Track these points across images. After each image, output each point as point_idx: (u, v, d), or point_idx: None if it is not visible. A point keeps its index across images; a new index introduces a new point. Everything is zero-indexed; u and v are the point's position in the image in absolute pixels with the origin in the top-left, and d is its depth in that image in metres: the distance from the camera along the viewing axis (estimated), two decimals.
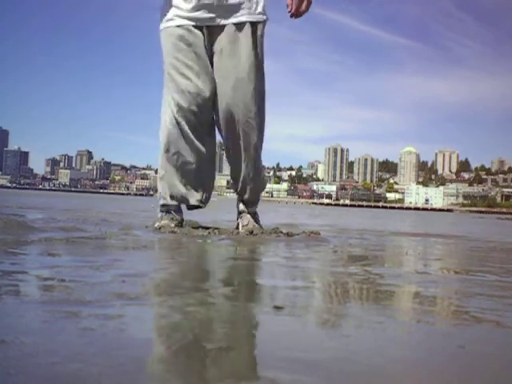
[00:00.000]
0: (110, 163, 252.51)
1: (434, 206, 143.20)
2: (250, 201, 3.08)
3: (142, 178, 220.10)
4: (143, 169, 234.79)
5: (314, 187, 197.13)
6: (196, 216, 3.30)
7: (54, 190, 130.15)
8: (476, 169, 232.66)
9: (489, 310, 1.12)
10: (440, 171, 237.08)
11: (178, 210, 3.05)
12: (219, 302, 1.10)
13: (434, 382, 0.67)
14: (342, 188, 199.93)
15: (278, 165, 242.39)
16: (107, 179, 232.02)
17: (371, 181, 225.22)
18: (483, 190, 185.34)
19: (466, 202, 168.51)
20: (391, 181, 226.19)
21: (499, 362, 0.77)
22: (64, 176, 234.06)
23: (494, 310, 1.14)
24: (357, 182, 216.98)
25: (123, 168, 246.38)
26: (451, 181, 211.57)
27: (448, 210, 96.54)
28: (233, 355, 0.74)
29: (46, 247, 1.87)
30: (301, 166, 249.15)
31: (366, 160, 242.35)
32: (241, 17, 2.86)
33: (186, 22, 2.89)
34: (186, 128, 2.90)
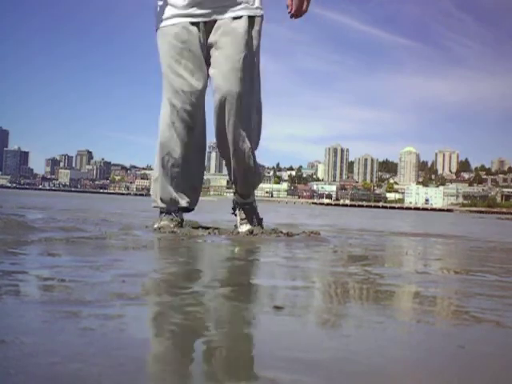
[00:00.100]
0: (110, 163, 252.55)
1: (434, 206, 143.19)
2: (243, 193, 3.07)
3: (142, 178, 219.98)
4: (143, 169, 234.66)
5: (314, 187, 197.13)
6: (196, 216, 3.30)
7: (54, 190, 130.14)
8: (476, 169, 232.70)
9: (489, 310, 1.12)
10: (440, 171, 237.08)
11: (178, 211, 3.04)
12: (219, 302, 1.10)
13: (433, 382, 0.67)
14: (342, 188, 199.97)
15: (278, 165, 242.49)
16: (107, 179, 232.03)
17: (371, 181, 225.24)
18: (483, 189, 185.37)
19: (465, 202, 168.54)
20: (391, 181, 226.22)
21: (499, 361, 0.77)
22: (64, 176, 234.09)
23: (493, 309, 1.14)
24: (357, 182, 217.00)
25: (123, 168, 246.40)
26: (451, 181, 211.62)
27: (448, 210, 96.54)
28: (233, 355, 0.74)
29: (46, 247, 1.87)
30: (301, 166, 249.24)
31: (365, 160, 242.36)
32: (238, 11, 2.83)
33: (181, 19, 2.87)
34: (180, 129, 2.89)
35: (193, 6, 2.86)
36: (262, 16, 2.91)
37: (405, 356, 0.78)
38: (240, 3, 2.85)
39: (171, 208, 3.00)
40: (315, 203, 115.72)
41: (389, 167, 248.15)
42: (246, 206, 3.06)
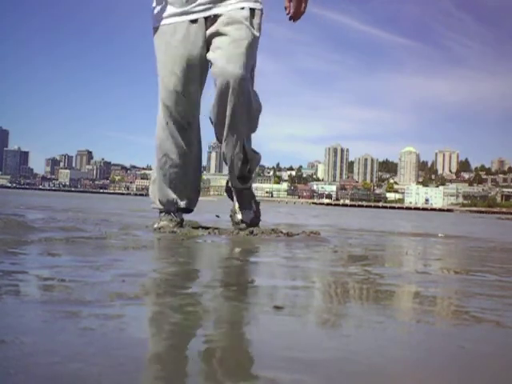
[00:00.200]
0: (109, 163, 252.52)
1: (434, 206, 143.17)
2: (240, 177, 3.02)
3: (142, 178, 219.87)
4: (143, 169, 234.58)
5: (314, 187, 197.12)
6: (196, 216, 3.30)
7: (54, 190, 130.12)
8: (476, 169, 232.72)
9: (489, 310, 1.12)
10: (440, 171, 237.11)
11: (177, 211, 3.04)
12: (219, 302, 1.10)
13: (434, 382, 0.67)
14: (342, 188, 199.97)
15: (278, 165, 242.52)
16: (107, 179, 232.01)
17: (371, 181, 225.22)
18: (483, 190, 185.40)
19: (466, 202, 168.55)
20: (391, 181, 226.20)
21: (499, 361, 0.77)
22: (64, 176, 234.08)
23: (493, 309, 1.14)
24: (357, 182, 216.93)
25: (123, 168, 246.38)
26: (451, 181, 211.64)
27: (448, 210, 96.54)
28: (233, 355, 0.74)
29: (46, 247, 1.87)
30: (301, 166, 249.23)
31: (366, 160, 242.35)
32: (238, 3, 2.79)
33: (180, 18, 2.84)
34: (174, 129, 2.88)
35: (192, 3, 2.84)
36: (261, 10, 2.87)
37: (405, 356, 0.78)
38: None
39: (170, 208, 3.00)
40: (315, 203, 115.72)
41: (389, 167, 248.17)
42: (245, 190, 3.06)
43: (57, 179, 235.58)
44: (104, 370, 0.63)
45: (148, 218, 3.73)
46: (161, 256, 2.06)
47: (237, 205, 3.07)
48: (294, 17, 2.83)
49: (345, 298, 1.28)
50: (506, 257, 2.94)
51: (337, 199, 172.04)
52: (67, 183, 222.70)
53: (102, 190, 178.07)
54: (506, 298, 1.34)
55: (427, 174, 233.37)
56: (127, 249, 1.97)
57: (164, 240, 2.48)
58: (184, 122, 2.90)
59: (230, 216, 3.18)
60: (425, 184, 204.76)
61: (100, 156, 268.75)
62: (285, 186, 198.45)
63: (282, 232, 2.91)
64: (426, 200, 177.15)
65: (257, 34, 2.81)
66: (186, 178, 2.99)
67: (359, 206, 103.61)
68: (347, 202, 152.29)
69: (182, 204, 2.99)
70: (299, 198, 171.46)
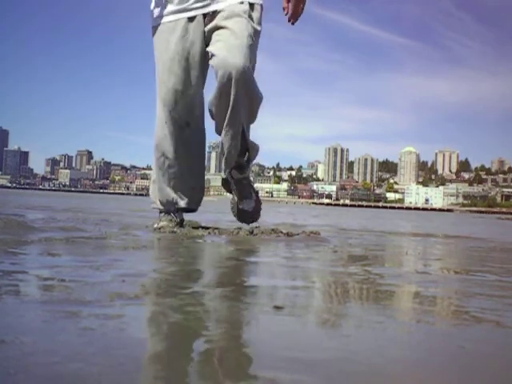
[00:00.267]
0: (109, 163, 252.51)
1: (434, 206, 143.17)
2: (237, 166, 2.97)
3: (142, 178, 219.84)
4: (143, 169, 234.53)
5: (314, 187, 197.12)
6: (196, 216, 3.30)
7: (54, 190, 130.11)
8: (476, 169, 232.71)
9: (489, 310, 1.12)
10: (440, 171, 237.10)
11: (177, 211, 3.04)
12: (219, 302, 1.10)
13: (434, 382, 0.67)
14: (342, 188, 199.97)
15: (278, 165, 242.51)
16: (107, 179, 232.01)
17: (371, 181, 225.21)
18: (483, 189, 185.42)
19: (466, 202, 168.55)
20: (391, 181, 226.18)
21: (499, 361, 0.77)
22: (64, 176, 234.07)
23: (493, 309, 1.14)
24: (357, 182, 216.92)
25: (123, 168, 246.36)
26: (451, 181, 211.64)
27: (448, 210, 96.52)
28: (233, 355, 0.74)
29: (46, 247, 1.87)
30: (301, 166, 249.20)
31: (366, 160, 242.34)
32: None
33: (179, 15, 2.83)
34: (172, 128, 2.87)
35: (190, 0, 2.82)
36: (261, 5, 2.83)
37: (405, 356, 0.78)
38: None
39: (170, 208, 2.99)
40: (315, 203, 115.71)
41: (389, 167, 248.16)
42: (243, 180, 3.04)
43: (57, 179, 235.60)
44: (104, 369, 0.63)
45: (148, 217, 3.73)
46: (161, 256, 2.06)
47: (236, 195, 3.05)
48: (292, 17, 2.83)
49: (345, 298, 1.28)
50: (506, 257, 2.94)
51: (337, 199, 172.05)
52: (67, 183, 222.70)
53: (102, 190, 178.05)
54: (506, 298, 1.34)
55: (427, 174, 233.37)
56: (127, 249, 1.97)
57: (164, 240, 2.48)
58: (182, 122, 2.88)
59: (231, 208, 3.16)
60: (425, 184, 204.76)
61: (100, 156, 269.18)
62: (285, 186, 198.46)
63: (281, 232, 2.91)
64: (426, 200, 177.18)
65: (258, 27, 2.77)
66: (186, 178, 2.97)
67: (359, 206, 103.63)
68: (347, 202, 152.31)
69: (182, 204, 2.98)
70: (299, 198, 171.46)
